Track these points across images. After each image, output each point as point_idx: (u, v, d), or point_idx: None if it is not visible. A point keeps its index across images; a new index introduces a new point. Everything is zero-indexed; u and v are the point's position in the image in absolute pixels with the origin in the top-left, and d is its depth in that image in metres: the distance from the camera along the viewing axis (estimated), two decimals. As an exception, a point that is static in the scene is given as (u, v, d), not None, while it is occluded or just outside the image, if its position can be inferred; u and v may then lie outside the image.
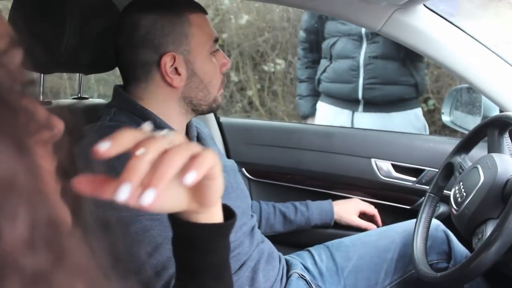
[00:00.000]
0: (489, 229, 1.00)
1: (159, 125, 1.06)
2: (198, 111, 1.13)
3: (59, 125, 0.37)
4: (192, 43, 1.07)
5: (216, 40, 1.12)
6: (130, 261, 0.88)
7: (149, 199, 0.45)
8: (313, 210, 1.48)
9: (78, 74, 1.36)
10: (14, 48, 0.34)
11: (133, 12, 1.07)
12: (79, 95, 1.36)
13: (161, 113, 1.07)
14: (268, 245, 1.24)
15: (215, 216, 0.59)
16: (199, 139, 1.20)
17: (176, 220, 0.59)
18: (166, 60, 1.05)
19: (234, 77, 4.09)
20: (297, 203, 1.48)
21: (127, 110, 1.06)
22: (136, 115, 1.05)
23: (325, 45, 2.26)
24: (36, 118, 0.34)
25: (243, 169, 1.71)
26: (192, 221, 0.57)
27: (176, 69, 1.06)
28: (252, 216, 1.23)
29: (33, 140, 0.32)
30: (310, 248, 1.40)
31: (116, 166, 0.95)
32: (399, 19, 1.27)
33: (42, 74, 1.19)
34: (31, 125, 0.32)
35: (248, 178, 1.73)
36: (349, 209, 1.53)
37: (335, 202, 1.52)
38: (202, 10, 1.12)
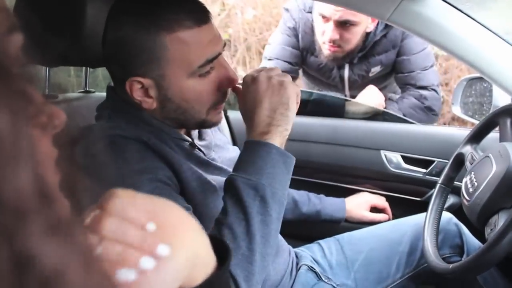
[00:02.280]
0: (502, 219, 0.98)
1: (155, 126, 0.96)
2: (189, 128, 1.04)
3: (61, 116, 0.37)
4: (168, 69, 0.90)
5: (212, 59, 0.92)
6: None
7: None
8: (325, 205, 1.45)
9: (84, 68, 1.35)
10: (13, 31, 0.34)
11: (112, 20, 0.93)
12: (85, 89, 1.36)
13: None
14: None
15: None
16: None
17: None
18: (132, 83, 0.91)
19: (241, 72, 4.07)
20: (311, 194, 1.46)
21: (123, 114, 0.97)
22: (134, 117, 0.97)
23: None
24: (35, 102, 0.33)
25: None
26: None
27: (147, 90, 0.92)
28: None
29: (32, 123, 0.32)
30: (320, 241, 1.39)
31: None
32: (407, 8, 1.25)
33: (47, 68, 1.19)
34: (30, 108, 0.32)
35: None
36: (359, 205, 1.51)
37: (345, 199, 1.50)
38: (197, 22, 0.90)
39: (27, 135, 0.29)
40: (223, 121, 1.70)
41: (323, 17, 1.70)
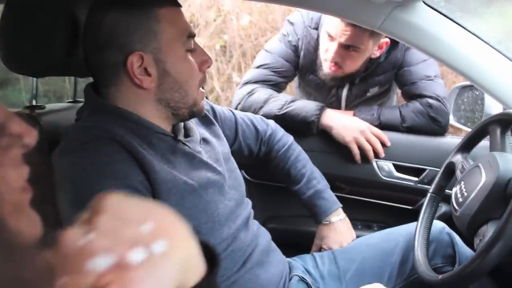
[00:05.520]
0: (490, 229, 0.98)
1: (137, 122, 1.01)
2: (180, 116, 1.06)
3: (31, 134, 0.36)
4: (162, 40, 0.99)
5: (191, 36, 1.04)
6: None
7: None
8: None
9: (73, 77, 1.35)
10: None
11: (97, 11, 1.00)
12: (75, 99, 1.35)
13: (139, 114, 1.02)
14: (266, 238, 1.21)
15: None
16: (205, 141, 1.16)
17: None
18: (133, 60, 0.98)
19: (236, 78, 4.07)
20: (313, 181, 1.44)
21: (101, 113, 1.02)
22: (113, 115, 1.01)
23: None
24: (8, 132, 0.33)
25: (243, 171, 1.69)
26: None
27: (145, 69, 0.99)
28: (247, 204, 1.20)
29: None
30: None
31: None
32: (398, 17, 1.25)
33: (36, 79, 1.18)
34: (2, 140, 0.31)
35: (248, 180, 1.71)
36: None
37: None
38: (173, 3, 1.04)
39: None
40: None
41: (329, 35, 1.67)
